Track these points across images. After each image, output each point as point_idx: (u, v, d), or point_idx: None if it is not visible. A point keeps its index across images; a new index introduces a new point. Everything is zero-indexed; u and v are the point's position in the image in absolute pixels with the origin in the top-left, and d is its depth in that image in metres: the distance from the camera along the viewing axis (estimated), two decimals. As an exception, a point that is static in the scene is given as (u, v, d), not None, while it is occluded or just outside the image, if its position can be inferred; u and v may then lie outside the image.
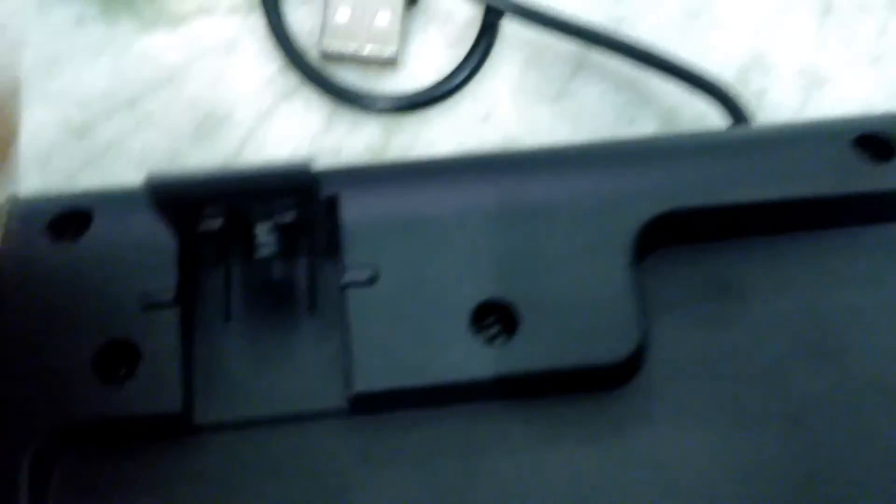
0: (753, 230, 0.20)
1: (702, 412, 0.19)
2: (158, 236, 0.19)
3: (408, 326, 0.19)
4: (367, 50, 0.26)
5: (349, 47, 0.26)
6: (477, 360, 0.19)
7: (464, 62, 0.27)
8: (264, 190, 0.18)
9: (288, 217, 0.19)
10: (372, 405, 0.19)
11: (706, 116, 0.26)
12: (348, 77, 0.27)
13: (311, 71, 0.26)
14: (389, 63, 0.27)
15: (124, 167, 0.26)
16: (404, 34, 0.27)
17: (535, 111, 0.27)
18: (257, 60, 0.27)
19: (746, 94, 0.27)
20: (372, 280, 0.19)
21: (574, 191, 0.20)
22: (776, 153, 0.21)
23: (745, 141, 0.22)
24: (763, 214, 0.20)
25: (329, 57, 0.27)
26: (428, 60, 0.27)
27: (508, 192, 0.20)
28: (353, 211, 0.20)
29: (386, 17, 0.27)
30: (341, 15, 0.27)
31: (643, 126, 0.27)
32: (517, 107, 0.27)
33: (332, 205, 0.20)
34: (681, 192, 0.20)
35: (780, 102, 0.27)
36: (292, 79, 0.27)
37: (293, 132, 0.26)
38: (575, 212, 0.20)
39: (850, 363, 0.19)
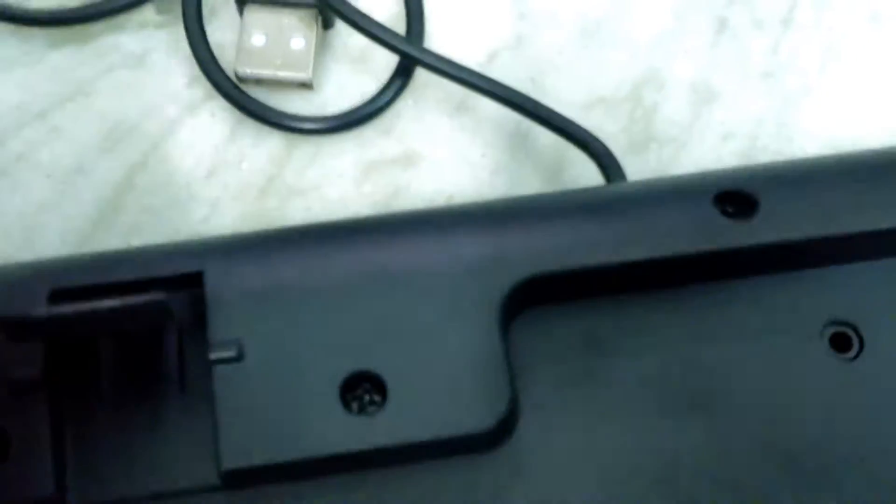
0: (622, 288, 0.21)
1: (575, 468, 0.20)
2: (24, 318, 0.19)
3: (277, 401, 0.19)
4: (282, 74, 0.28)
5: (264, 71, 0.27)
6: (348, 431, 0.19)
7: (377, 96, 0.28)
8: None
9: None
10: (245, 481, 0.19)
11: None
12: (267, 100, 0.28)
13: (230, 89, 0.27)
14: (305, 86, 0.28)
15: (33, 177, 0.26)
16: (320, 58, 0.28)
17: (434, 123, 0.28)
18: (165, 75, 0.28)
19: (640, 110, 0.28)
20: (239, 356, 0.19)
21: (440, 256, 0.21)
22: (640, 213, 0.21)
23: (611, 201, 0.22)
24: (629, 274, 0.21)
25: (244, 80, 0.28)
26: (342, 84, 0.28)
27: (376, 260, 0.20)
28: (218, 286, 0.20)
29: (300, 42, 0.28)
30: (256, 39, 0.28)
31: (537, 138, 0.27)
32: (417, 121, 0.28)
33: (197, 280, 0.20)
34: (545, 256, 0.20)
35: (671, 118, 0.28)
36: (198, 93, 0.28)
37: (197, 144, 0.27)
38: (441, 278, 0.20)
39: (718, 415, 0.20)
